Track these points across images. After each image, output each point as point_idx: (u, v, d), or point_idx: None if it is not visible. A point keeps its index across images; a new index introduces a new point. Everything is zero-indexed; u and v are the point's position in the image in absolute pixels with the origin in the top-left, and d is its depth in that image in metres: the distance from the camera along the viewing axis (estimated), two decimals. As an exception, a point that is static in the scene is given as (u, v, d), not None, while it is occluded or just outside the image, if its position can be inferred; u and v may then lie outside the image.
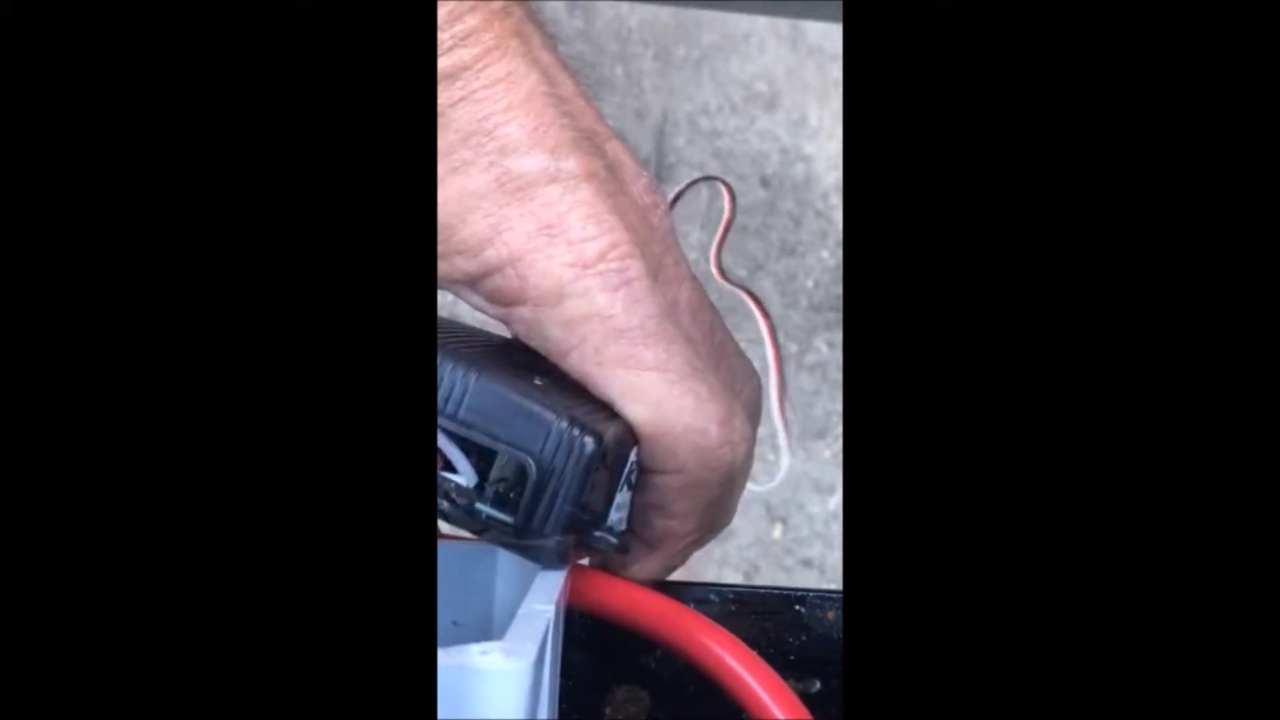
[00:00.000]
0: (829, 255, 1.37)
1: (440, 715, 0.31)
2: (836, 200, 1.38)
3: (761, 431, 0.46)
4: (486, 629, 0.44)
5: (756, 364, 0.46)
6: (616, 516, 0.41)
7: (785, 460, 0.49)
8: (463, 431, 0.39)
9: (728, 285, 0.48)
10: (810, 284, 1.36)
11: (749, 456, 0.45)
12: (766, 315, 0.48)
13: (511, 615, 0.36)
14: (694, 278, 0.44)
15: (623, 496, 0.41)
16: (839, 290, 1.35)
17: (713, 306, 0.44)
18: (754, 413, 0.45)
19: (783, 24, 1.40)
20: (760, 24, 1.40)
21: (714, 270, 0.47)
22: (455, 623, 0.44)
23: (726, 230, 0.49)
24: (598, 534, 0.40)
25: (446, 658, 0.32)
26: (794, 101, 1.40)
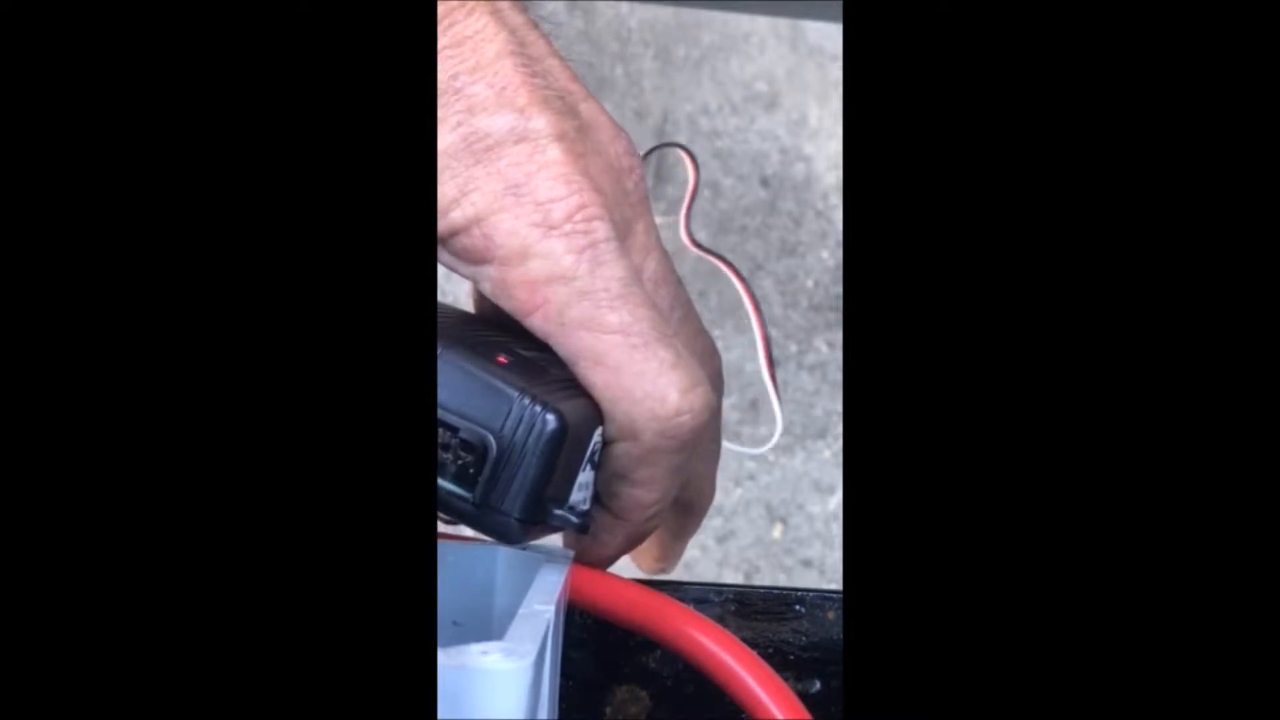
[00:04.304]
0: (829, 255, 1.37)
1: (440, 715, 0.31)
2: (836, 200, 1.38)
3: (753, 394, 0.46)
4: (486, 629, 0.44)
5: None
6: (579, 496, 0.41)
7: (779, 422, 0.50)
8: None
9: (700, 253, 0.48)
10: (810, 284, 1.36)
11: (714, 427, 0.45)
12: (744, 280, 0.48)
13: (511, 615, 0.36)
14: (663, 249, 0.43)
15: (585, 476, 0.41)
16: (839, 290, 1.35)
17: (679, 281, 0.44)
18: (715, 388, 0.45)
19: (783, 24, 1.40)
20: (760, 24, 1.40)
21: (684, 238, 0.47)
22: (455, 623, 0.44)
23: (693, 197, 0.49)
24: (558, 512, 0.40)
25: (446, 658, 0.32)
26: (794, 101, 1.40)
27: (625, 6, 1.39)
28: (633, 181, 0.42)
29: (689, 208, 0.48)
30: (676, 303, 0.44)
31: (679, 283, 0.44)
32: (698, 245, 0.48)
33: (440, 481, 0.39)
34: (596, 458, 0.41)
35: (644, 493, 0.42)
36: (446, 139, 0.39)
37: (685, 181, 0.49)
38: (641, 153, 0.44)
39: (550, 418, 0.39)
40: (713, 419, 0.43)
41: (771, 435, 0.52)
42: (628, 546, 0.44)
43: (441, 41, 0.39)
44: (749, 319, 0.48)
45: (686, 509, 0.47)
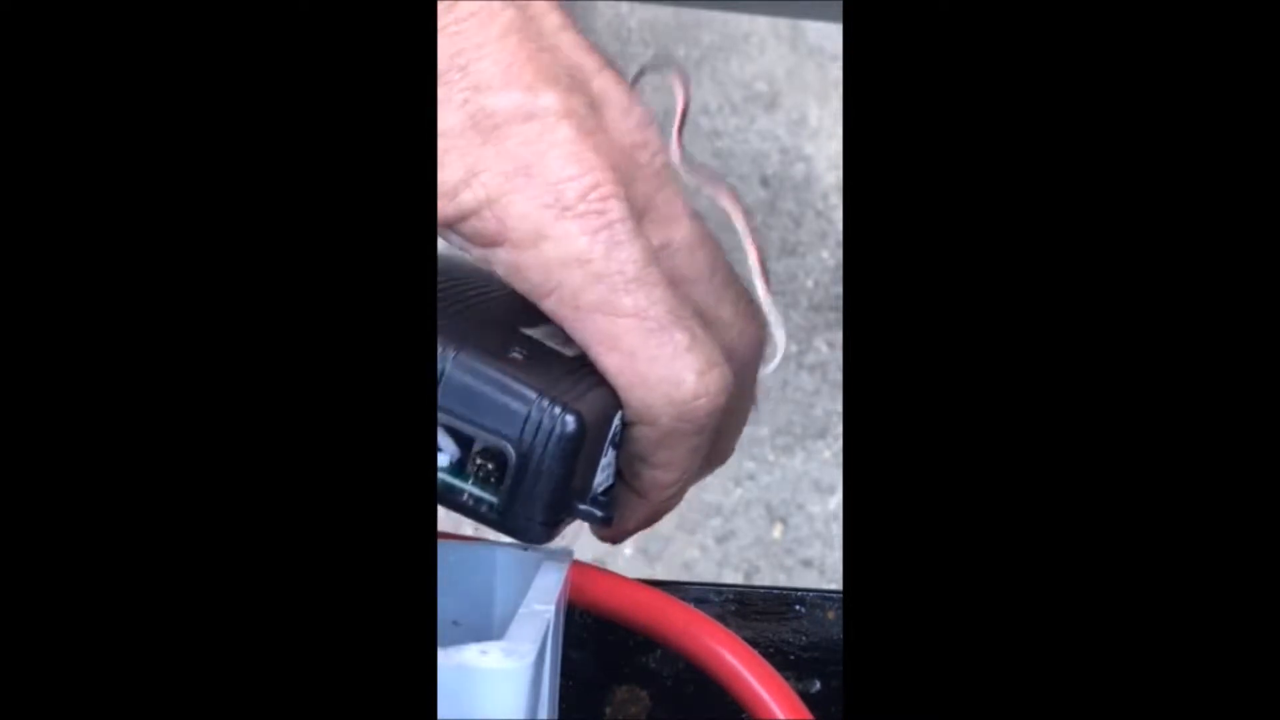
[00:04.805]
0: (829, 255, 1.37)
1: (440, 715, 0.31)
2: (836, 200, 1.38)
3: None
4: (486, 629, 0.44)
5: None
6: (602, 477, 0.41)
7: (780, 342, 0.48)
8: (440, 417, 0.38)
9: (692, 173, 0.47)
10: (810, 284, 1.36)
11: (742, 400, 0.44)
12: (737, 201, 0.47)
13: (511, 615, 0.36)
14: (694, 215, 0.42)
15: (607, 457, 0.41)
16: (839, 290, 1.35)
17: (716, 244, 0.43)
18: (750, 357, 0.44)
19: (783, 24, 1.40)
20: (760, 24, 1.40)
21: (676, 158, 0.46)
22: (455, 623, 0.44)
23: (683, 117, 0.48)
24: (583, 508, 0.40)
25: (446, 658, 0.32)
26: (794, 101, 1.40)
27: (625, 6, 1.39)
28: (649, 154, 0.41)
29: (680, 127, 0.47)
30: (715, 267, 0.43)
31: (717, 246, 0.43)
32: (690, 165, 0.46)
33: (465, 486, 0.39)
34: (618, 439, 0.41)
35: (663, 474, 0.42)
36: (453, 118, 0.39)
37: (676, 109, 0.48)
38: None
39: (569, 419, 0.38)
40: (746, 386, 0.42)
41: (775, 350, 0.50)
42: (649, 521, 0.44)
43: (447, 18, 0.39)
44: (743, 240, 0.47)
45: (703, 466, 0.47)
